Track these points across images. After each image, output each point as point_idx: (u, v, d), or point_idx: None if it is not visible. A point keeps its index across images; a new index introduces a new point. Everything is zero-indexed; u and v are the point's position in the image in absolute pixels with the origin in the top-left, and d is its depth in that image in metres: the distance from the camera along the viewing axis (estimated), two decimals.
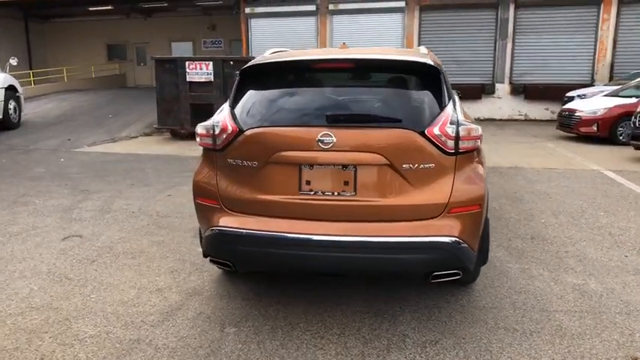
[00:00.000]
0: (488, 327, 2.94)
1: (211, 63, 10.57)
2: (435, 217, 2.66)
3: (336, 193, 2.68)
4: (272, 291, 3.39)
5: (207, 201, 2.92)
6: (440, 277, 2.77)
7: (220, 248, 2.86)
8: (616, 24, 14.96)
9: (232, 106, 2.98)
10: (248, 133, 2.77)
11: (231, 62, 10.64)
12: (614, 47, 15.03)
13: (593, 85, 14.29)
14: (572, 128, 10.51)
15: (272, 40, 16.66)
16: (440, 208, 2.66)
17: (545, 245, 4.27)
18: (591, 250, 4.18)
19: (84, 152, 9.74)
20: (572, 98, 12.84)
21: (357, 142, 2.63)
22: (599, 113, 10.03)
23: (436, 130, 2.64)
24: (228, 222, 2.81)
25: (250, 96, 2.95)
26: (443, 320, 3.03)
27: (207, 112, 10.77)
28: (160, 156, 9.09)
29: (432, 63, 2.83)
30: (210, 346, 2.75)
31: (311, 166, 2.68)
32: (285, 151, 2.68)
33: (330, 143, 2.61)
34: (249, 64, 3.03)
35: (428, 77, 2.85)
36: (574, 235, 4.52)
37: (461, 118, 2.74)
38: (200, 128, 2.97)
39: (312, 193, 2.69)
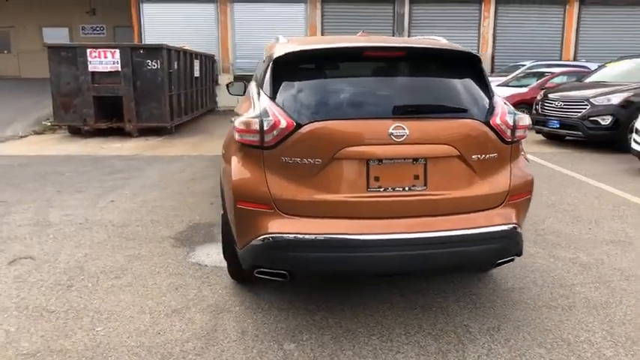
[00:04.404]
0: (531, 307, 3.07)
1: (118, 51, 9.52)
2: (498, 206, 2.68)
3: (406, 188, 2.55)
4: (300, 299, 3.14)
5: (254, 205, 2.59)
6: (499, 264, 2.81)
7: (278, 257, 2.56)
8: (494, 21, 16.66)
9: (273, 98, 2.66)
10: (309, 127, 2.49)
11: (142, 50, 9.71)
12: (494, 42, 16.74)
13: None
14: None
15: (169, 28, 15.59)
16: (503, 196, 2.69)
17: None
18: (561, 226, 4.59)
19: None
20: None
21: (429, 134, 2.53)
22: None
23: (498, 120, 2.65)
24: (287, 227, 2.52)
25: (299, 87, 2.67)
26: (488, 306, 3.08)
27: (116, 105, 9.86)
28: (71, 157, 7.95)
29: (476, 53, 2.83)
30: None
31: (380, 161, 2.51)
32: (353, 146, 2.48)
33: (403, 136, 2.47)
34: (289, 51, 2.73)
35: (473, 67, 2.84)
36: (539, 213, 4.93)
37: (511, 108, 2.78)
38: (242, 124, 2.61)
39: (381, 189, 2.53)
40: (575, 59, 16.16)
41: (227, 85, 5.31)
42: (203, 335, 2.74)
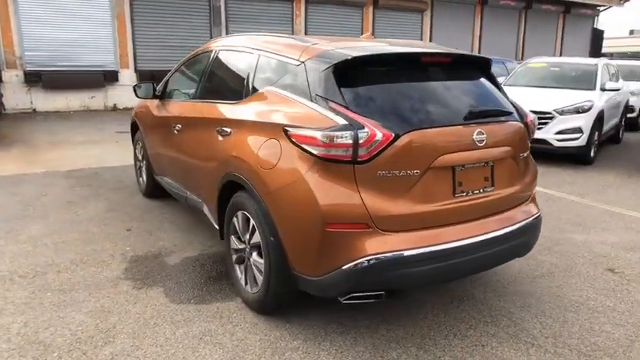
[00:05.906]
0: (528, 280, 3.54)
1: None
2: (530, 196, 3.04)
3: (481, 190, 2.67)
4: (337, 317, 2.98)
5: (349, 227, 2.35)
6: None
7: (382, 278, 2.38)
8: (305, 19, 17.72)
9: (347, 107, 2.43)
10: (408, 138, 2.37)
11: None
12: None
13: None
14: None
15: None
16: (533, 187, 3.06)
17: None
18: None
19: None
20: None
21: (498, 137, 2.70)
22: None
23: (528, 120, 2.98)
24: (389, 245, 2.37)
25: (375, 93, 2.50)
26: (499, 286, 3.44)
27: None
28: None
29: (491, 58, 3.10)
30: None
31: (462, 166, 2.57)
32: (447, 154, 2.48)
33: (483, 141, 2.59)
34: (356, 55, 2.51)
35: (489, 72, 3.10)
36: None
37: None
38: (326, 137, 2.32)
39: (464, 194, 2.60)
40: None
41: (134, 88, 4.54)
42: None
